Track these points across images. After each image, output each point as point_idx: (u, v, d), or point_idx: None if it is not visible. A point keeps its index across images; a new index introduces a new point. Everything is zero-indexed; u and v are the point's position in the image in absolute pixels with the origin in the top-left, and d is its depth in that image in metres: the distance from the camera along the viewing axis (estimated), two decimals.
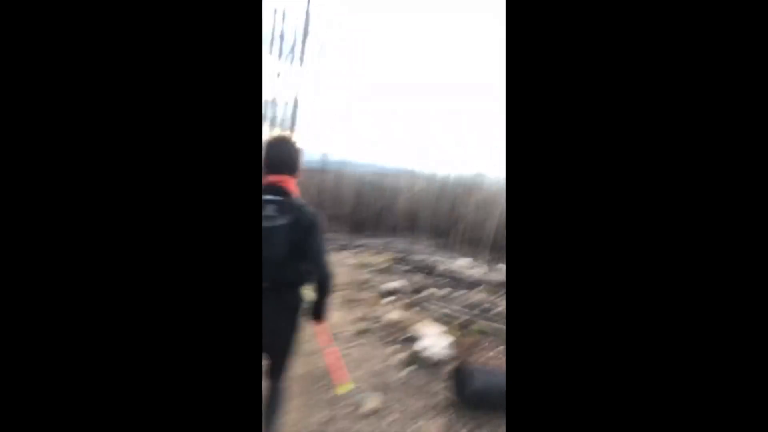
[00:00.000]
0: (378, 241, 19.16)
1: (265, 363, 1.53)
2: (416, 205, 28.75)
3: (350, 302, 5.14)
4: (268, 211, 1.32)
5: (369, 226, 26.89)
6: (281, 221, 1.31)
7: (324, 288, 1.44)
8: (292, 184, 1.42)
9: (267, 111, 6.85)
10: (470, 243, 22.76)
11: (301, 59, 6.65)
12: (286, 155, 1.44)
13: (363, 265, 8.43)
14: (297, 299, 1.44)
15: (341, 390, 1.83)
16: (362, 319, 4.38)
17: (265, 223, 1.29)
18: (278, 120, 7.02)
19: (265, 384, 1.49)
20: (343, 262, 8.83)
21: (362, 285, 6.26)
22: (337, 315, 4.21)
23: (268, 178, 1.40)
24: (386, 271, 7.94)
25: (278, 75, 7.07)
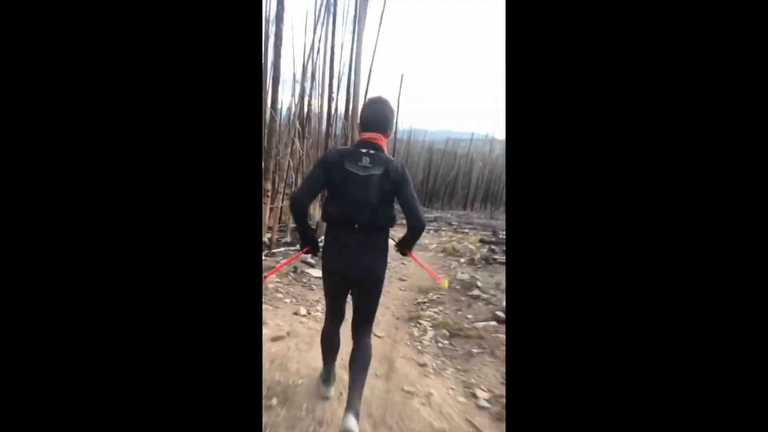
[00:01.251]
0: (453, 215, 16.59)
1: (351, 312, 1.61)
2: (494, 173, 25.66)
3: (458, 341, 2.64)
4: (363, 162, 1.41)
5: (441, 196, 24.62)
6: (375, 171, 1.41)
7: (416, 234, 1.49)
8: (383, 142, 1.49)
9: (324, 83, 5.72)
10: None
11: (360, 27, 5.42)
12: (380, 114, 1.49)
13: (450, 252, 6.00)
14: (384, 239, 1.50)
15: (445, 284, 1.58)
16: None
17: (361, 172, 1.40)
18: (336, 92, 5.70)
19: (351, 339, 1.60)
20: (421, 246, 6.37)
21: (466, 295, 3.72)
22: (442, 391, 1.83)
23: (363, 135, 1.48)
24: (486, 263, 5.44)
25: (317, 46, 5.72)
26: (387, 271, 1.55)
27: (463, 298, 3.63)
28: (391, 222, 1.47)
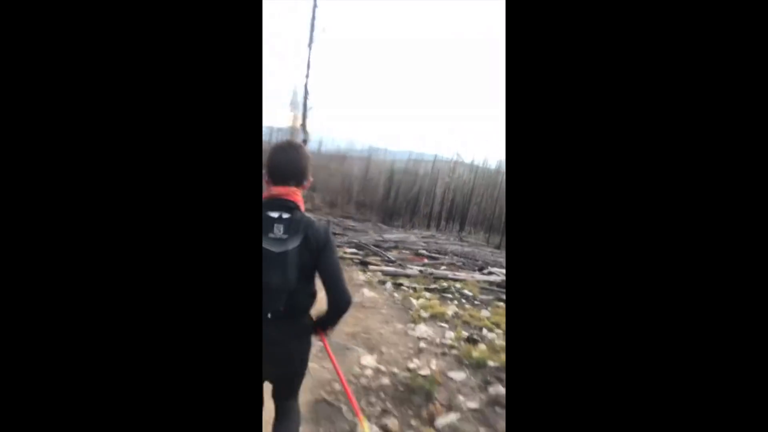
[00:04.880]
0: (417, 237, 13.50)
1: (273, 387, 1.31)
2: (459, 191, 24.11)
3: None
4: (276, 232, 1.07)
5: (402, 213, 22.66)
6: (292, 244, 1.07)
7: (340, 313, 1.17)
8: (299, 197, 1.14)
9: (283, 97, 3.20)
10: None
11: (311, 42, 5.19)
12: (293, 162, 1.14)
13: (431, 341, 2.84)
14: (304, 321, 1.19)
15: (365, 428, 1.22)
16: None
17: (275, 248, 1.06)
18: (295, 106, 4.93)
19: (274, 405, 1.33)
20: (371, 328, 3.02)
21: None
22: None
23: (272, 190, 1.12)
24: None
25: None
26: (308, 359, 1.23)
27: None
28: (312, 299, 1.17)
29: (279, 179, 1.11)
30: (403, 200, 22.60)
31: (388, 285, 4.60)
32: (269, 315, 1.06)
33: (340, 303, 1.12)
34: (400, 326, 3.14)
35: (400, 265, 6.80)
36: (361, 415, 1.24)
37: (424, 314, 3.42)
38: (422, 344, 2.76)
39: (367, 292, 3.98)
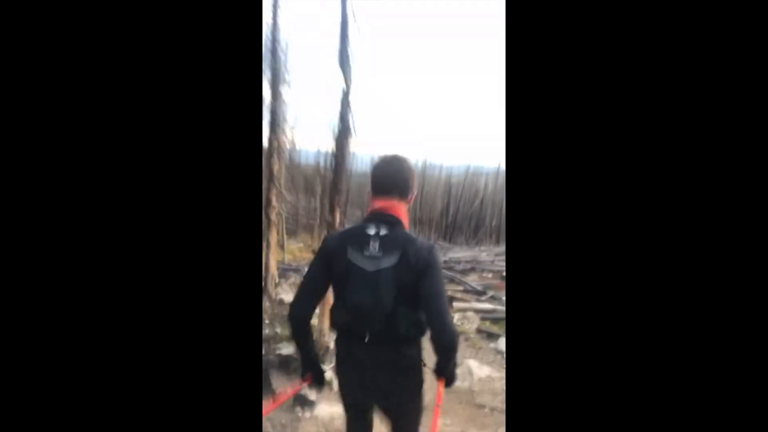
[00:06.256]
0: (490, 255, 11.21)
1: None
2: None
3: None
4: (371, 249, 1.01)
5: (464, 229, 20.88)
6: (387, 262, 1.00)
7: (444, 353, 1.02)
8: (402, 211, 1.09)
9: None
10: None
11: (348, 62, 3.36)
12: (396, 174, 1.11)
13: None
14: (412, 356, 1.06)
15: None
16: None
17: (368, 267, 1.01)
18: (336, 125, 3.71)
19: None
20: None
21: None
22: None
23: (374, 204, 1.10)
24: None
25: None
26: (421, 397, 1.12)
27: None
28: (420, 331, 1.04)
29: (380, 191, 1.08)
30: (464, 214, 20.85)
31: (501, 343, 2.80)
32: (366, 339, 1.00)
33: (441, 341, 0.97)
34: None
35: (493, 297, 4.96)
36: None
37: None
38: None
39: (474, 366, 2.24)
